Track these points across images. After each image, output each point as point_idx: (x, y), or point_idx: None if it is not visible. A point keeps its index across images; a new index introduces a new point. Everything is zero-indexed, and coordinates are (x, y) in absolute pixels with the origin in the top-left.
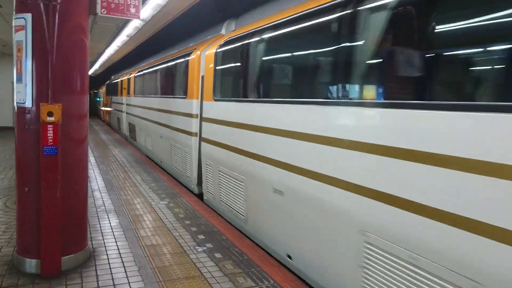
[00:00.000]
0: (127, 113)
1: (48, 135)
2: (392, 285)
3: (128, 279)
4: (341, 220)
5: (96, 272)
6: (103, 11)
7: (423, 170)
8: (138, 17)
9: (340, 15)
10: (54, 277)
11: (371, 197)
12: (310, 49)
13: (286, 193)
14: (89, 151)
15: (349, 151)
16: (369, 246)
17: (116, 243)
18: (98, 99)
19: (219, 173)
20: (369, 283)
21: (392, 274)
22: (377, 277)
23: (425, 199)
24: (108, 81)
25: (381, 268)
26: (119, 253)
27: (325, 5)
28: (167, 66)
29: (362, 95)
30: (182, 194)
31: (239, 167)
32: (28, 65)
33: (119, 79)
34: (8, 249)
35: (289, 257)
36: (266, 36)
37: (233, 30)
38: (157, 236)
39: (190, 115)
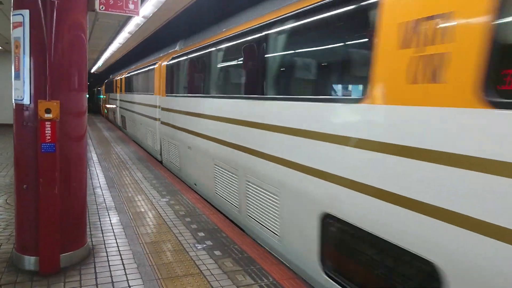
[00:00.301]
0: (119, 107)
1: (46, 132)
2: (222, 183)
3: (126, 276)
4: (207, 157)
5: (95, 269)
6: (102, 8)
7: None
8: (137, 14)
9: (219, 49)
10: (52, 274)
11: (216, 142)
12: (209, 66)
13: (193, 148)
14: (91, 148)
15: (212, 121)
16: (216, 166)
17: (116, 240)
18: (100, 96)
19: (168, 143)
20: (217, 185)
21: (224, 179)
22: (220, 180)
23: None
24: (106, 80)
25: (220, 176)
26: (119, 250)
27: (215, 41)
28: (143, 71)
29: (232, 92)
30: (183, 191)
31: (177, 138)
32: (26, 61)
33: (114, 79)
34: (8, 246)
35: (195, 184)
36: (185, 57)
37: (177, 50)
38: (157, 234)
39: (155, 106)
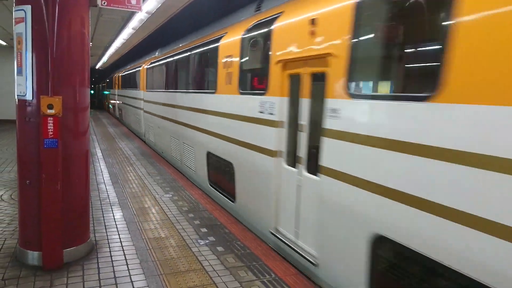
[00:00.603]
0: (117, 101)
1: (49, 127)
2: (174, 148)
3: (129, 272)
4: (167, 132)
5: (98, 264)
6: (104, 3)
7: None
8: (139, 9)
9: (170, 60)
10: (55, 269)
11: (170, 121)
12: (168, 70)
13: (160, 128)
14: (96, 144)
15: (169, 108)
16: (171, 137)
17: (119, 236)
18: (104, 92)
19: (148, 126)
20: (171, 150)
21: (174, 145)
22: (173, 147)
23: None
24: (109, 77)
25: (173, 144)
26: (122, 246)
27: (163, 57)
28: (132, 71)
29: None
30: (186, 187)
31: (153, 122)
32: (28, 57)
33: (113, 76)
34: (12, 241)
35: (162, 152)
36: (157, 63)
37: (156, 56)
38: (160, 229)
39: (140, 99)
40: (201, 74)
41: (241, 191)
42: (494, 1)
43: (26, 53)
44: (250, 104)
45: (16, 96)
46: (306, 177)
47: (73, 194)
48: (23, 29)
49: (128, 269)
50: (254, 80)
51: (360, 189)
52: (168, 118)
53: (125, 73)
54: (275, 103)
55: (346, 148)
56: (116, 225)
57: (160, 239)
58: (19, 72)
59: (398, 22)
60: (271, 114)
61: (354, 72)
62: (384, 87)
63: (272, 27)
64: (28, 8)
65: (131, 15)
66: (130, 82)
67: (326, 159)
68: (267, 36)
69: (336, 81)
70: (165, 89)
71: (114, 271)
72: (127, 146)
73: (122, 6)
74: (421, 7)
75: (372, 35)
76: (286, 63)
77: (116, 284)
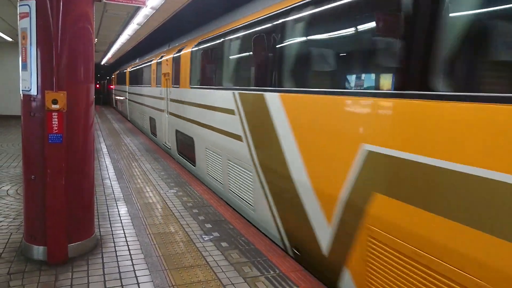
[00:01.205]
0: (114, 94)
1: (53, 122)
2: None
3: (133, 267)
4: (145, 114)
5: (103, 259)
6: None
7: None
8: (144, 4)
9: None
10: (60, 264)
11: (148, 108)
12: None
13: (138, 111)
14: (101, 139)
15: (144, 97)
16: (150, 119)
17: (124, 231)
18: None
19: (132, 110)
20: (140, 122)
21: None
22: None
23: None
24: (109, 76)
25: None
26: (126, 241)
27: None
28: (121, 72)
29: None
30: (191, 183)
31: (134, 107)
32: (33, 52)
33: (113, 75)
34: (17, 235)
35: (142, 128)
36: (134, 68)
37: (136, 62)
38: (164, 225)
39: (125, 92)
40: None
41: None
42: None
43: (30, 48)
44: (158, 91)
45: (21, 91)
46: (166, 117)
47: (78, 189)
48: (28, 24)
49: (133, 264)
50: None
51: (177, 118)
52: (147, 106)
53: (117, 74)
54: (163, 91)
55: (174, 104)
56: (121, 220)
57: (164, 235)
58: (24, 67)
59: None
60: (161, 95)
61: (174, 79)
62: (182, 83)
63: (160, 59)
64: (32, 3)
65: (136, 10)
66: (120, 80)
67: (170, 109)
68: (160, 62)
69: (169, 82)
70: (138, 84)
71: (118, 266)
72: (132, 142)
73: (126, 2)
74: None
75: (176, 68)
76: (164, 74)
77: (120, 279)
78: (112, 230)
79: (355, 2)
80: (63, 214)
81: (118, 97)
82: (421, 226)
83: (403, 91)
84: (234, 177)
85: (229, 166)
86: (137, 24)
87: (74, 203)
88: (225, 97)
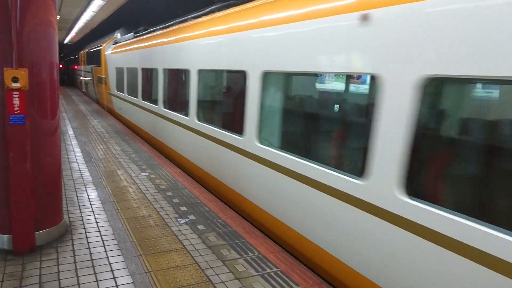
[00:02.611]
0: (77, 74)
1: (14, 102)
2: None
3: (107, 254)
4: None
5: (73, 246)
6: None
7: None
8: None
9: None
10: (28, 253)
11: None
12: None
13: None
14: (67, 122)
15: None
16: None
17: (95, 217)
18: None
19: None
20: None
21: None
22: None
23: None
24: (74, 56)
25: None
26: (98, 227)
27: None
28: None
29: None
30: (163, 165)
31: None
32: None
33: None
34: None
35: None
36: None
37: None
38: (137, 209)
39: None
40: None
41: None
42: None
43: None
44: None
45: None
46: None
47: (44, 174)
48: None
49: (106, 251)
50: None
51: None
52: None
53: (81, 53)
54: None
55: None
56: (91, 205)
57: (138, 219)
58: None
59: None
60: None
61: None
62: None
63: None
64: None
65: None
66: (81, 61)
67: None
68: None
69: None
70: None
71: (90, 253)
72: (100, 123)
73: None
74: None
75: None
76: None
77: (93, 266)
78: (82, 216)
79: None
80: (28, 200)
81: (82, 78)
82: None
83: None
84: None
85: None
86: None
87: (40, 188)
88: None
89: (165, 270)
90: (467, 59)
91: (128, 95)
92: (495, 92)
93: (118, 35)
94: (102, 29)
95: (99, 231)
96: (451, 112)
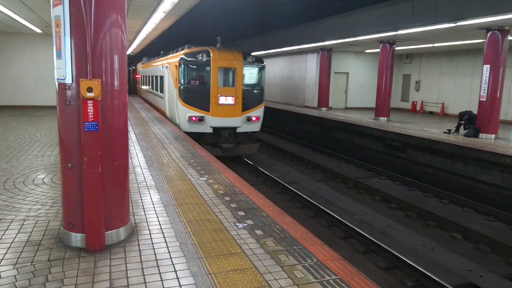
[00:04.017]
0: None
1: (89, 111)
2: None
3: (170, 254)
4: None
5: (139, 247)
6: None
7: None
8: None
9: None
10: (98, 251)
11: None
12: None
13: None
14: (130, 128)
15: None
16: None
17: (158, 219)
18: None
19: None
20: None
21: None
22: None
23: None
24: (134, 66)
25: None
26: (161, 229)
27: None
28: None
29: None
30: (221, 170)
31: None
32: (67, 40)
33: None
34: (55, 223)
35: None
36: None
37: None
38: (197, 212)
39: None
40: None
41: None
42: None
43: (64, 36)
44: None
45: (56, 80)
46: (140, 87)
47: (113, 177)
48: (61, 12)
49: (169, 252)
50: None
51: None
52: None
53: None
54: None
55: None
56: (154, 207)
57: (197, 222)
58: (58, 56)
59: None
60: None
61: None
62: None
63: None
64: None
65: None
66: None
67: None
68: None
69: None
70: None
71: (155, 254)
72: (160, 130)
73: None
74: None
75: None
76: None
77: (158, 266)
78: (146, 218)
79: None
80: (100, 201)
81: (142, 86)
82: None
83: None
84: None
85: None
86: (163, 12)
87: (110, 191)
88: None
89: (225, 273)
90: None
91: (142, 86)
92: None
93: (144, 59)
94: (159, 42)
95: (162, 232)
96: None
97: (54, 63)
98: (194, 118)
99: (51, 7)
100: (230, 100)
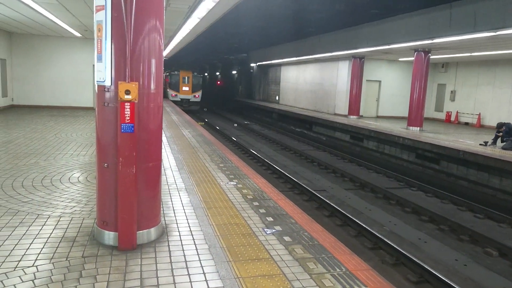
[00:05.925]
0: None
1: (126, 112)
2: None
3: (199, 257)
4: None
5: (169, 247)
6: None
7: None
8: None
9: None
10: (130, 250)
11: None
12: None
13: None
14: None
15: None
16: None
17: (187, 221)
18: None
19: None
20: None
21: None
22: None
23: None
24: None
25: None
26: (190, 231)
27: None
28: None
29: None
30: (250, 176)
31: None
32: (108, 44)
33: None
34: (89, 221)
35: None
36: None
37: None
38: (226, 216)
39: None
40: None
41: None
42: None
43: (105, 40)
44: None
45: (95, 82)
46: None
47: (147, 178)
48: (103, 17)
49: (198, 254)
50: None
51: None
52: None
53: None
54: None
55: None
56: (184, 210)
57: (226, 226)
58: (99, 59)
59: None
60: None
61: None
62: None
63: None
64: None
65: (197, 3)
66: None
67: None
68: None
69: None
70: None
71: (184, 255)
72: (190, 133)
73: None
74: None
75: None
76: None
77: (187, 268)
78: (176, 220)
79: None
80: (133, 201)
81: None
82: None
83: None
84: None
85: None
86: (198, 17)
87: (143, 191)
88: None
89: (253, 278)
90: None
91: None
92: None
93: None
94: (190, 48)
95: (192, 235)
96: None
97: (94, 66)
98: (173, 95)
99: (94, 12)
100: (187, 88)
